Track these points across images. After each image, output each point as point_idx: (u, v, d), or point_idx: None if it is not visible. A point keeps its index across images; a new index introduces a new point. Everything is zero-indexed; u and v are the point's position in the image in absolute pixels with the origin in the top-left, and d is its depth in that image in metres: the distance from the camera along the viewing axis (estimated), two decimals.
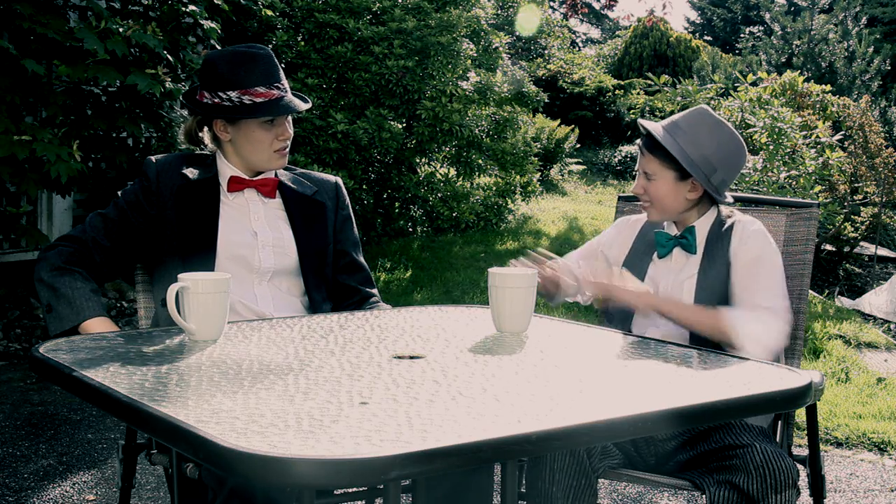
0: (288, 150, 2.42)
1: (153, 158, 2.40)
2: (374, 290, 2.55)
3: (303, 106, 2.38)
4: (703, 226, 2.38)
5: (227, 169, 2.42)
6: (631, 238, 2.50)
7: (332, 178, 2.57)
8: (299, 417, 1.36)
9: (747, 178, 7.12)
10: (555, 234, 9.15)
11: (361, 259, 2.55)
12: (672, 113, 9.61)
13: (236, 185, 2.40)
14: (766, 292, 2.25)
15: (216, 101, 2.34)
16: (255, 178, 2.42)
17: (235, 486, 1.82)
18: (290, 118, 2.42)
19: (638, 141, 2.41)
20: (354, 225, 2.57)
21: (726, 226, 2.36)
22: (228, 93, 2.33)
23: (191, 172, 2.39)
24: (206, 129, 2.46)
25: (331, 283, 2.49)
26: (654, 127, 2.35)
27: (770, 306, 2.23)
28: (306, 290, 2.42)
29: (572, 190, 12.57)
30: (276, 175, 2.47)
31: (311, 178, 2.54)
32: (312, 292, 2.42)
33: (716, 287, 2.30)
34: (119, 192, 2.40)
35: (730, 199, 2.38)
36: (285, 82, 2.40)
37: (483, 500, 2.10)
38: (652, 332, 2.32)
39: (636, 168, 2.40)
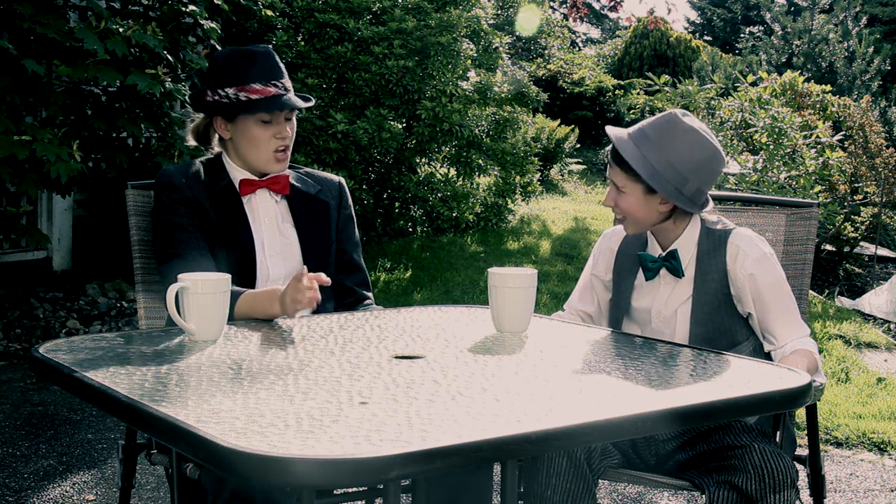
0: (288, 152, 2.39)
1: (170, 170, 2.38)
2: (370, 294, 2.54)
3: (301, 103, 2.36)
4: (688, 243, 2.27)
5: (235, 172, 2.41)
6: (612, 255, 2.41)
7: (335, 177, 2.56)
8: (299, 417, 1.36)
9: (747, 178, 7.12)
10: (555, 234, 9.15)
11: (360, 260, 2.55)
12: None
13: (247, 187, 2.39)
14: (793, 311, 2.26)
15: (216, 98, 2.35)
16: (264, 179, 2.41)
17: (236, 489, 1.82)
18: (293, 120, 2.40)
19: (607, 149, 2.28)
20: (356, 225, 2.56)
21: (716, 239, 2.26)
22: (227, 90, 2.33)
23: (212, 181, 2.38)
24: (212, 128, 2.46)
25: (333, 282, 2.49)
26: (620, 136, 2.22)
27: (802, 325, 2.26)
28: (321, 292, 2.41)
29: (572, 190, 12.56)
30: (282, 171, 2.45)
31: (314, 177, 2.53)
32: (330, 293, 2.41)
33: (713, 312, 2.25)
34: (157, 215, 2.34)
35: (709, 207, 2.26)
36: (287, 82, 2.38)
37: (482, 501, 2.10)
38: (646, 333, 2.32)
39: (607, 176, 2.29)
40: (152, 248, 2.39)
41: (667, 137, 2.18)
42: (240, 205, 2.38)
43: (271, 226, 2.40)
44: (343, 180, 2.57)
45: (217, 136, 2.45)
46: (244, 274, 2.32)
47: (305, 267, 2.07)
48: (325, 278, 2.06)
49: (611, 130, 2.25)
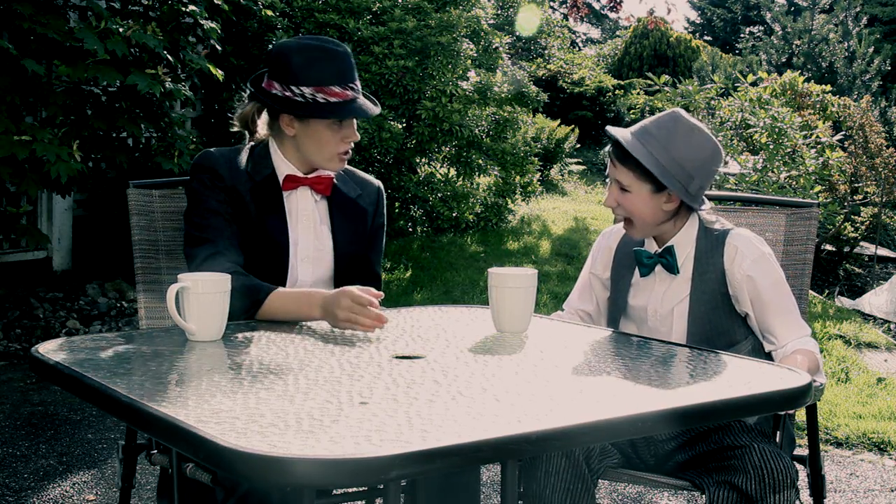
0: (350, 153, 2.32)
1: (213, 154, 2.29)
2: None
3: (375, 110, 2.29)
4: (685, 241, 2.27)
5: (282, 165, 2.33)
6: (611, 254, 2.41)
7: (375, 181, 2.48)
8: (299, 417, 1.36)
9: (747, 178, 7.12)
10: (555, 234, 9.15)
11: (378, 268, 2.48)
12: None
13: (291, 183, 2.32)
14: (793, 310, 2.26)
15: (287, 94, 2.25)
16: (309, 176, 2.33)
17: (251, 488, 1.82)
18: (356, 120, 2.34)
19: (606, 149, 2.26)
20: (384, 234, 2.50)
21: (713, 239, 2.26)
22: (302, 88, 2.23)
23: (255, 171, 2.31)
24: (265, 117, 2.37)
25: None
26: (623, 135, 2.21)
27: (803, 325, 2.26)
28: None
29: (572, 190, 12.56)
30: (327, 172, 2.37)
31: (355, 178, 2.46)
32: None
33: (710, 311, 2.25)
34: (194, 195, 2.27)
35: (707, 206, 2.27)
36: (358, 83, 2.30)
37: (472, 499, 2.09)
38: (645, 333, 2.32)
39: (607, 177, 2.27)
40: (184, 222, 2.29)
41: (673, 135, 2.18)
42: (280, 200, 2.31)
43: (307, 226, 2.34)
44: (381, 186, 2.49)
45: (268, 124, 2.36)
46: (273, 273, 2.27)
47: (372, 290, 2.04)
48: (376, 294, 2.04)
49: (613, 130, 2.24)
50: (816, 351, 2.22)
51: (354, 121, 2.30)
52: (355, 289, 2.04)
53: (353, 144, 2.32)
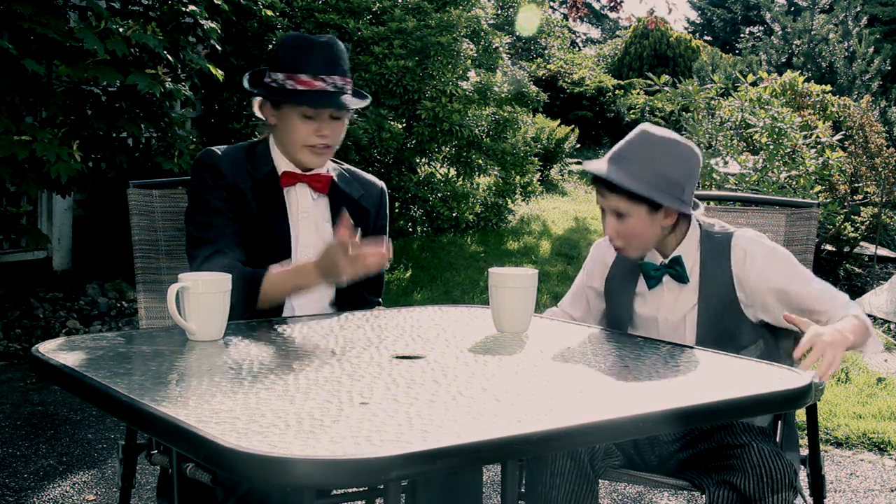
0: (327, 149, 2.29)
1: (215, 152, 2.29)
2: (379, 298, 2.49)
3: (350, 104, 2.24)
4: (690, 249, 2.26)
5: (280, 160, 2.33)
6: (606, 267, 2.38)
7: (378, 182, 2.47)
8: (300, 417, 1.36)
9: (747, 178, 7.12)
10: (555, 234, 9.15)
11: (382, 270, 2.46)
12: (672, 113, 9.58)
13: (288, 178, 2.32)
14: (816, 285, 2.22)
15: (266, 80, 2.27)
16: (307, 173, 2.33)
17: (251, 488, 1.82)
18: (343, 121, 2.30)
19: (591, 182, 2.28)
20: (386, 234, 2.48)
21: (717, 243, 2.24)
22: (276, 74, 2.25)
23: (255, 168, 2.31)
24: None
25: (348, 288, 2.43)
26: (600, 168, 2.17)
27: (835, 293, 2.22)
28: (335, 299, 2.37)
29: (572, 190, 12.57)
30: (327, 171, 2.36)
31: (358, 179, 2.44)
32: (340, 300, 2.38)
33: (719, 317, 2.23)
34: (196, 194, 2.26)
35: (701, 209, 2.25)
36: (340, 80, 2.26)
37: (473, 500, 2.09)
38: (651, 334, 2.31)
39: (599, 204, 2.23)
40: (185, 221, 2.29)
41: (651, 153, 2.16)
42: (280, 195, 2.31)
43: (308, 222, 2.33)
44: (385, 187, 2.49)
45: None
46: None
47: (347, 231, 1.99)
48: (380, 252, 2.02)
49: (590, 167, 2.21)
50: (859, 313, 2.16)
51: (333, 117, 2.27)
52: (336, 240, 2.01)
53: (331, 142, 2.29)
